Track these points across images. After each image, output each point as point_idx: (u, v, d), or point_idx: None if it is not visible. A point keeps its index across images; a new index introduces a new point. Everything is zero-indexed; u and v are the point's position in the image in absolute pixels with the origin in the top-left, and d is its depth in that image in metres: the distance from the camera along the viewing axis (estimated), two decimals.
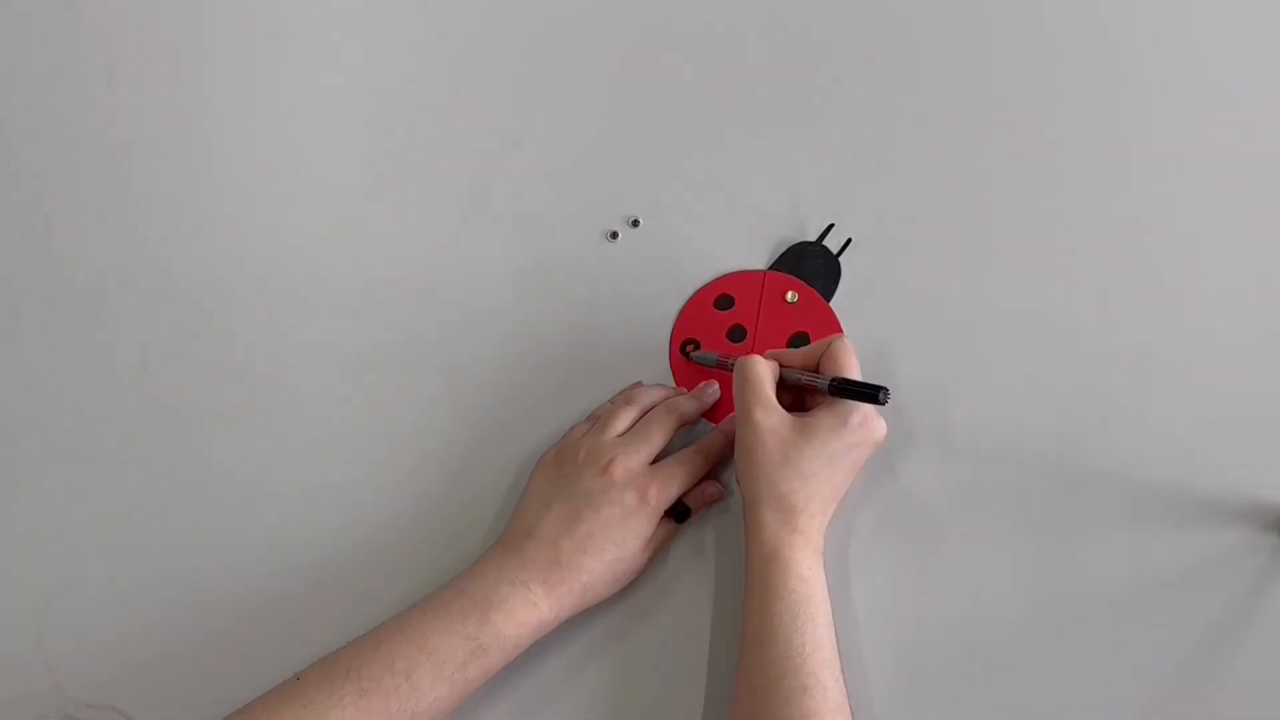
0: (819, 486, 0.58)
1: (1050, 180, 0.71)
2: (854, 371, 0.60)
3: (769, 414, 0.59)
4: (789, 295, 0.68)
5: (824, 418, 0.59)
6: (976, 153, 0.72)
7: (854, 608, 0.62)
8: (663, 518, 0.61)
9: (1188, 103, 0.72)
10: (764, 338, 0.68)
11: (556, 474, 0.61)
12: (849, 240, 0.69)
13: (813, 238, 0.70)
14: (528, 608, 0.57)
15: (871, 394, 0.57)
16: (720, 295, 0.69)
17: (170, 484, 0.66)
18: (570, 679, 0.61)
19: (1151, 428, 0.65)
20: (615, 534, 0.59)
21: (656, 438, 0.62)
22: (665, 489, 0.60)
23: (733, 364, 0.62)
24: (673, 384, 0.67)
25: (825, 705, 0.54)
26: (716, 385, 0.66)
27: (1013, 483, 0.64)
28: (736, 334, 0.68)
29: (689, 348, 0.68)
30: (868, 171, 0.71)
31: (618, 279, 0.70)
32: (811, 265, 0.69)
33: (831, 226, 0.69)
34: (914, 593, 0.62)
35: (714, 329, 0.68)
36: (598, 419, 0.64)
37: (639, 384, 0.67)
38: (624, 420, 0.63)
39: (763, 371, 0.61)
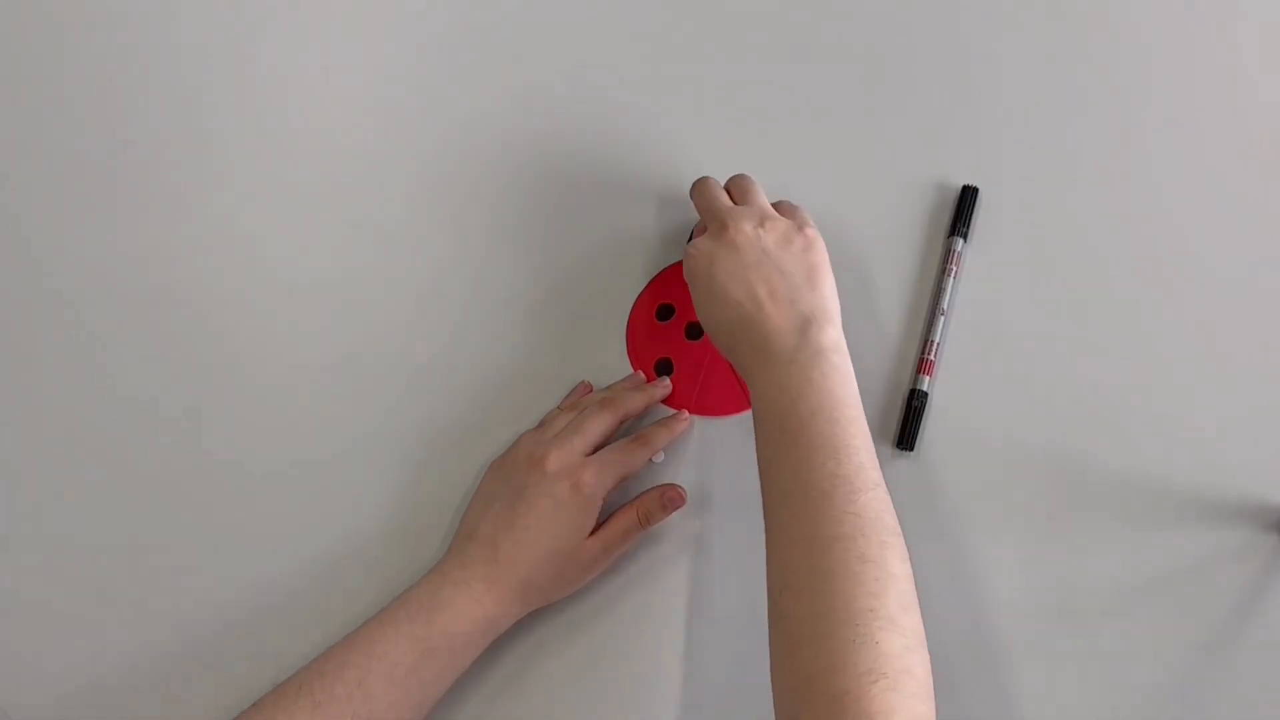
0: (747, 287, 0.58)
1: (1050, 178, 0.70)
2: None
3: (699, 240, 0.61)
4: None
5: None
6: (971, 148, 0.72)
7: None
8: (625, 511, 0.61)
9: (1194, 103, 0.72)
10: None
11: (499, 475, 0.62)
12: None
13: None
14: (471, 605, 0.57)
15: None
16: (659, 306, 0.68)
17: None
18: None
19: (1152, 427, 0.65)
20: (549, 525, 0.58)
21: (591, 429, 0.61)
22: (599, 476, 0.60)
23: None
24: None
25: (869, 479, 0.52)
26: (668, 381, 0.66)
27: (1013, 483, 0.64)
28: (694, 331, 0.68)
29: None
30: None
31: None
32: None
33: None
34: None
35: (671, 339, 0.68)
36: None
37: (584, 383, 0.67)
38: (564, 419, 0.63)
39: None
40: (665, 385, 0.66)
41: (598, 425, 0.62)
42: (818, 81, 0.73)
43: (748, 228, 0.60)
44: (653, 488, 0.63)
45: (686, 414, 0.65)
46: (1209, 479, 0.63)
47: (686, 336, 0.67)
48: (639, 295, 0.68)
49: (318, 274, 0.70)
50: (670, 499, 0.62)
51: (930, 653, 0.60)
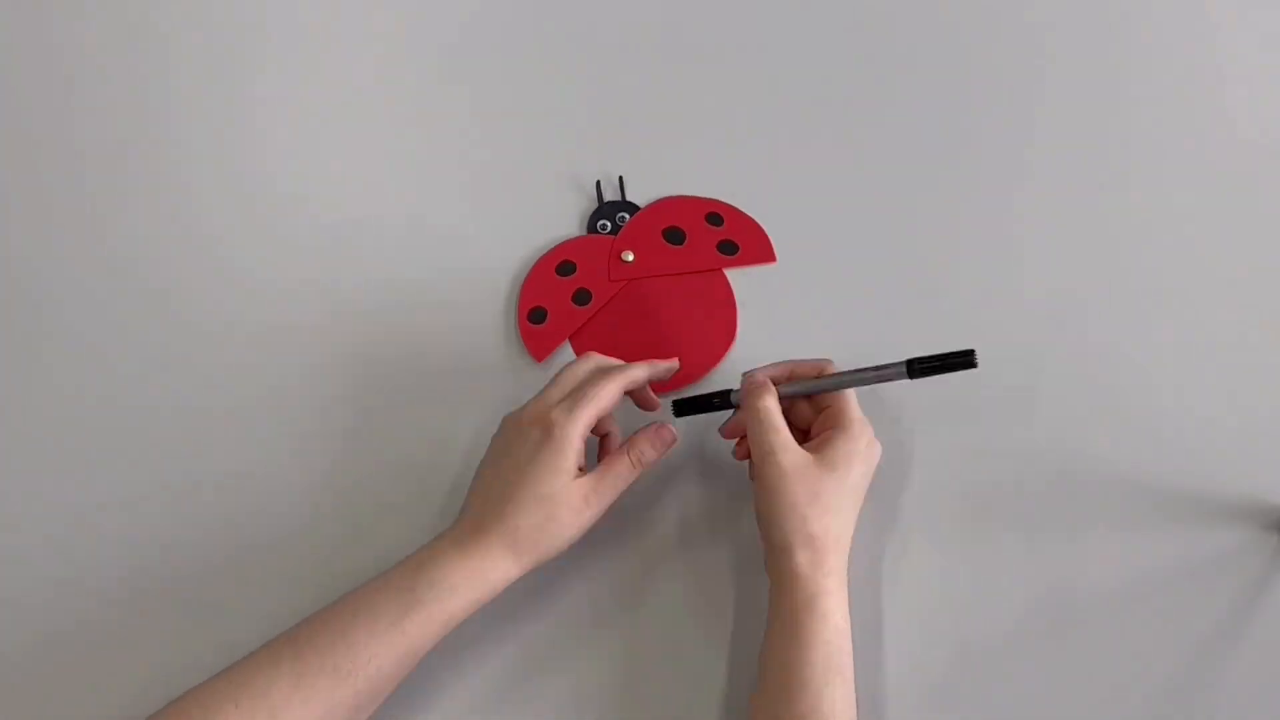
0: (845, 521, 0.59)
1: (1047, 176, 0.71)
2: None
3: (790, 454, 0.58)
4: (625, 255, 0.70)
5: (839, 446, 0.59)
6: (967, 148, 0.72)
7: (852, 609, 0.61)
8: (617, 452, 0.60)
9: (1184, 99, 0.72)
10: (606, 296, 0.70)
11: (498, 441, 0.61)
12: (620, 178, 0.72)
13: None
14: (458, 555, 0.56)
15: (963, 360, 0.55)
16: (561, 262, 0.70)
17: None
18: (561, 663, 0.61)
19: (1151, 428, 0.65)
20: (528, 468, 0.57)
21: (591, 392, 0.59)
22: (567, 414, 0.58)
23: (736, 396, 0.62)
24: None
25: None
26: (676, 363, 0.65)
27: (1013, 483, 0.64)
28: (581, 297, 0.69)
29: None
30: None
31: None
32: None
33: (596, 182, 0.72)
34: (913, 593, 0.62)
35: (558, 295, 0.69)
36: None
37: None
38: (566, 384, 0.62)
39: (772, 405, 0.60)
40: (673, 364, 0.65)
41: (598, 389, 0.60)
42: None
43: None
44: (643, 428, 0.62)
45: (675, 362, 0.65)
46: (1209, 479, 0.63)
47: (574, 303, 0.69)
48: (538, 260, 0.70)
49: (300, 275, 0.70)
50: (661, 438, 0.62)
51: (929, 651, 0.61)
